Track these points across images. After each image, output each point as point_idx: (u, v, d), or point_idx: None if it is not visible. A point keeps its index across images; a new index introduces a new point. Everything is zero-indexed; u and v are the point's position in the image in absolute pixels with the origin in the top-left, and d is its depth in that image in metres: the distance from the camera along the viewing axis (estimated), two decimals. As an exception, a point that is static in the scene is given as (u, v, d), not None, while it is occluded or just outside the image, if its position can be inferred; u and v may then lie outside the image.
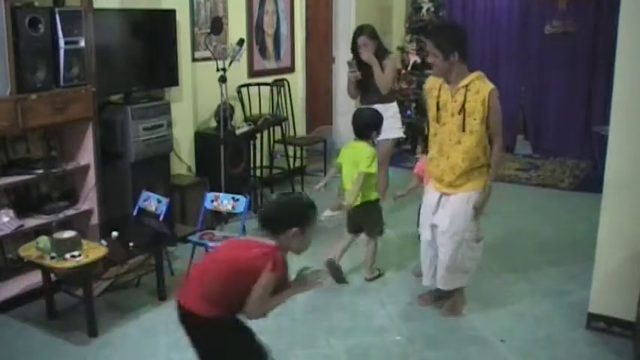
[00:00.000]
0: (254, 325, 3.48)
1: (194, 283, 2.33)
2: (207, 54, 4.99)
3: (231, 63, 4.78)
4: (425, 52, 3.57)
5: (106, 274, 3.74)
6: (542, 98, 7.29)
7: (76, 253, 3.22)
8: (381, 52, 4.77)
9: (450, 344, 3.31)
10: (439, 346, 3.29)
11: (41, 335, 3.36)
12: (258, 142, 5.53)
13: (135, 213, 4.03)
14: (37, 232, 3.66)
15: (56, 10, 3.61)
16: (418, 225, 4.05)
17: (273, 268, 2.17)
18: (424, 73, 6.78)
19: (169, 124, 4.53)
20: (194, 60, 5.13)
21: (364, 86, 4.80)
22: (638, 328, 3.07)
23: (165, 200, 3.92)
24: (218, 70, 4.67)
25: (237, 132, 4.98)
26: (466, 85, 3.25)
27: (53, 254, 3.22)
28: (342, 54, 6.91)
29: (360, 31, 4.76)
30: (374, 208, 4.01)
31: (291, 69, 6.42)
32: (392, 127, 4.76)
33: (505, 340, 3.33)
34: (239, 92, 5.62)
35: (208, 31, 4.96)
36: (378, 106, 4.87)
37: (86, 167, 3.94)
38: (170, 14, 4.64)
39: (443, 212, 3.41)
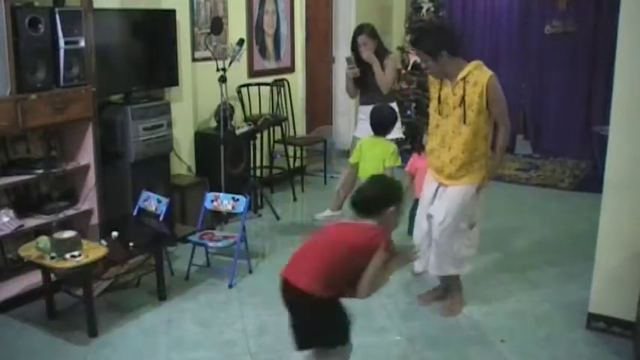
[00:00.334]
0: (253, 324, 3.49)
1: (304, 263, 2.42)
2: (207, 54, 4.99)
3: (231, 63, 4.78)
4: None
5: (106, 274, 3.74)
6: (542, 98, 7.29)
7: (76, 253, 3.23)
8: (382, 52, 4.77)
9: (450, 344, 3.31)
10: (439, 346, 3.29)
11: (41, 335, 3.35)
12: (258, 142, 5.53)
13: (135, 213, 4.03)
14: (37, 232, 3.66)
15: (56, 10, 3.61)
16: (409, 232, 4.02)
17: (385, 247, 2.33)
18: (424, 73, 6.76)
19: (169, 124, 4.53)
20: (194, 60, 5.13)
21: (364, 85, 4.80)
22: (638, 328, 3.07)
23: (165, 200, 3.92)
24: (218, 70, 4.67)
25: (237, 132, 4.98)
26: (464, 78, 3.27)
27: (53, 254, 3.22)
28: (342, 54, 6.90)
29: (360, 29, 4.76)
30: None
31: (291, 69, 6.42)
32: (392, 127, 4.76)
33: (505, 340, 3.33)
34: (239, 92, 5.62)
35: (208, 31, 4.96)
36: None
37: (86, 167, 3.94)
38: (170, 14, 4.64)
39: (439, 204, 3.44)
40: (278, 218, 5.24)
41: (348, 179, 5.10)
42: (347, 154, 5.55)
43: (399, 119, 4.33)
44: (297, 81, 6.51)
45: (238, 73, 5.47)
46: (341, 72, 6.82)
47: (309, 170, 6.62)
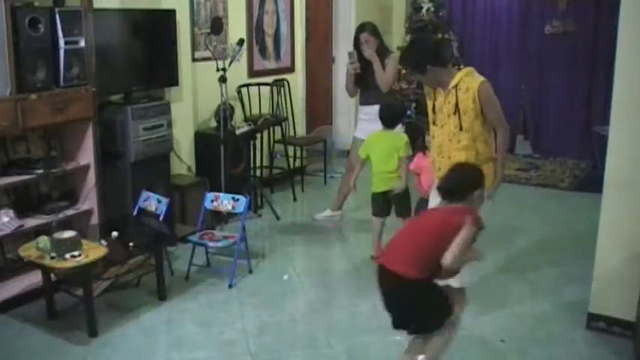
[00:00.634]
0: (253, 324, 3.49)
1: (402, 250, 2.60)
2: (207, 54, 4.99)
3: (231, 63, 4.78)
4: None
5: (106, 274, 3.74)
6: (542, 98, 7.29)
7: (76, 253, 3.23)
8: (383, 51, 4.77)
9: (449, 344, 3.31)
10: (439, 346, 3.29)
11: (41, 335, 3.35)
12: (258, 142, 5.53)
13: (135, 213, 4.03)
14: (37, 232, 3.67)
15: (56, 10, 3.61)
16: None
17: (473, 223, 2.48)
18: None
19: (169, 124, 4.53)
20: (194, 60, 5.13)
21: (364, 83, 4.80)
22: (638, 328, 3.07)
23: (165, 200, 3.92)
24: (218, 70, 4.67)
25: (237, 132, 4.98)
26: (456, 85, 3.27)
27: (53, 254, 3.22)
28: (342, 54, 6.91)
29: (362, 27, 4.76)
30: (406, 189, 4.33)
31: (291, 69, 6.42)
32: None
33: (505, 340, 3.33)
34: (239, 92, 5.62)
35: (208, 31, 4.96)
36: (378, 107, 4.87)
37: (86, 167, 3.94)
38: (170, 14, 4.64)
39: None
40: (278, 218, 5.24)
41: (347, 182, 5.11)
42: (347, 154, 5.55)
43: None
44: (297, 81, 6.51)
45: (238, 73, 5.47)
46: (341, 72, 6.83)
47: (309, 170, 6.62)
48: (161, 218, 3.88)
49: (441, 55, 3.43)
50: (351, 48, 4.81)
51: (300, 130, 6.55)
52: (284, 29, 6.28)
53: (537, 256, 4.46)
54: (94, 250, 3.32)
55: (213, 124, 5.30)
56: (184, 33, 4.90)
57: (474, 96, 3.23)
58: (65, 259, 3.20)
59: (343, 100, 7.20)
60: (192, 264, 4.11)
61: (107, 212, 4.04)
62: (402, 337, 3.36)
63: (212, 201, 4.16)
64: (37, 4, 3.57)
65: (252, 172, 5.48)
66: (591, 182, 5.73)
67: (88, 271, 3.28)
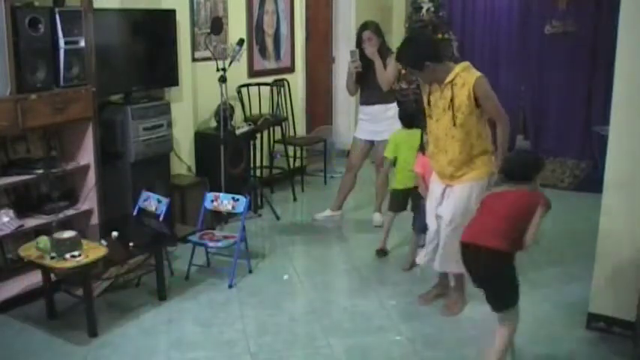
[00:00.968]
0: (253, 325, 3.49)
1: (488, 226, 2.82)
2: (207, 54, 4.99)
3: (231, 63, 4.78)
4: None
5: (106, 274, 3.74)
6: (542, 98, 7.28)
7: (76, 253, 3.23)
8: (384, 51, 4.78)
9: (450, 344, 3.31)
10: (439, 346, 3.29)
11: (41, 335, 3.35)
12: (258, 142, 5.53)
13: (135, 213, 4.03)
14: (37, 232, 3.66)
15: (56, 10, 3.61)
16: (413, 226, 4.20)
17: (543, 204, 2.75)
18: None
19: (169, 124, 4.53)
20: (194, 60, 5.13)
21: (364, 82, 4.80)
22: (638, 328, 3.07)
23: (165, 200, 3.92)
24: (218, 70, 4.67)
25: (237, 132, 4.98)
26: (452, 80, 3.28)
27: (53, 254, 3.22)
28: (342, 54, 6.92)
29: (365, 26, 4.78)
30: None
31: (291, 69, 6.42)
32: (392, 127, 4.75)
33: (505, 340, 3.32)
34: (239, 92, 5.62)
35: (208, 31, 4.96)
36: (378, 107, 4.89)
37: (86, 167, 3.94)
38: (170, 14, 4.64)
39: (446, 204, 3.45)
40: (278, 218, 5.24)
41: (347, 182, 5.11)
42: (347, 154, 5.56)
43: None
44: (297, 81, 6.51)
45: (238, 73, 5.47)
46: (341, 72, 6.84)
47: (309, 170, 6.62)
48: (161, 218, 3.88)
49: (437, 50, 3.42)
50: (351, 47, 4.82)
51: (300, 130, 6.55)
52: (284, 29, 6.28)
53: (537, 256, 4.45)
54: (94, 250, 3.32)
55: (213, 124, 5.30)
56: (184, 33, 4.90)
57: (470, 92, 3.24)
58: (65, 259, 3.20)
59: (343, 100, 7.20)
60: (192, 264, 4.11)
61: (107, 212, 4.04)
62: (401, 337, 3.38)
63: (212, 201, 4.16)
64: (37, 4, 3.57)
65: (252, 172, 5.48)
66: (591, 182, 5.73)
67: (88, 271, 3.28)
